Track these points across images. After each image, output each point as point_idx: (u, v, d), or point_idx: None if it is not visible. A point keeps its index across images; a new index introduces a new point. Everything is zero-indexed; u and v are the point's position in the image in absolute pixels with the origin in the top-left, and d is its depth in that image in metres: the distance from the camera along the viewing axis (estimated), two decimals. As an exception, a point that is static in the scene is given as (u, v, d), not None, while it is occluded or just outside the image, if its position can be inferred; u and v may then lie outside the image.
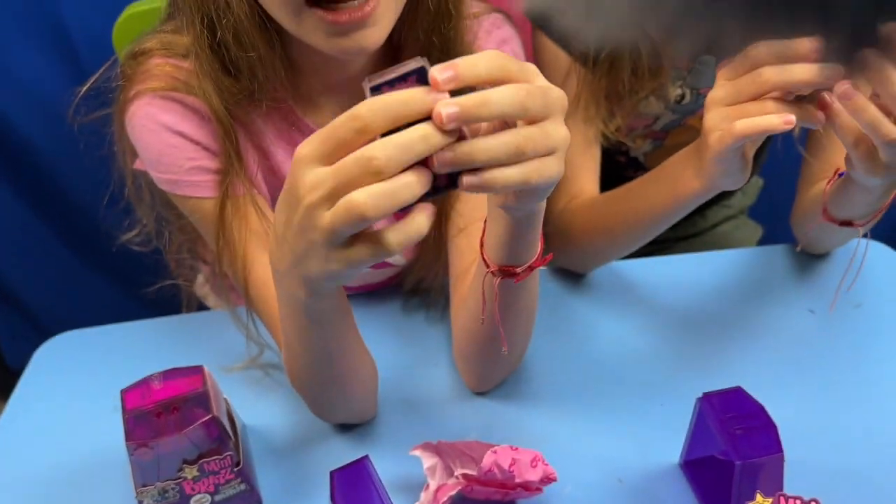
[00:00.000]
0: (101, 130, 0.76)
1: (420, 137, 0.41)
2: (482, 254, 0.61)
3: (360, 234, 0.44)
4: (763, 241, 1.16)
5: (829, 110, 0.59)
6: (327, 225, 0.43)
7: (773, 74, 0.57)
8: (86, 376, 0.82)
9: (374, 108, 0.41)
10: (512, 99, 0.43)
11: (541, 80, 0.45)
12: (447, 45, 0.69)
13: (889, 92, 0.54)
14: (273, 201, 0.73)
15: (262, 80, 0.67)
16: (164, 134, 0.68)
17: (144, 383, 0.62)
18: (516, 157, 0.43)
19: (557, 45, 0.83)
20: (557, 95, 0.45)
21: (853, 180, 0.67)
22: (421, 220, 0.43)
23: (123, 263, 1.03)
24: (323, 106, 0.74)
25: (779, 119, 0.57)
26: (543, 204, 0.54)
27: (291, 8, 0.60)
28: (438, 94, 0.41)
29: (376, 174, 0.41)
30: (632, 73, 0.82)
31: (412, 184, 0.42)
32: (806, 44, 0.56)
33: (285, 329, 0.61)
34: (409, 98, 0.41)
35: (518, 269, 0.59)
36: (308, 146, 0.44)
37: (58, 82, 1.23)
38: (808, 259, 0.90)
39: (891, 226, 1.15)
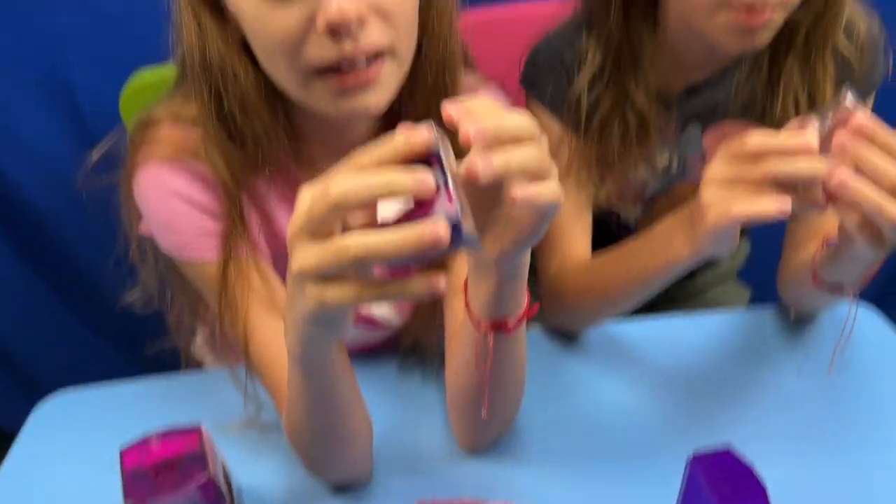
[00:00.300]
0: (104, 195, 0.77)
1: (385, 181, 0.42)
2: (468, 311, 0.62)
3: (343, 276, 0.45)
4: (751, 300, 1.17)
5: (833, 199, 0.59)
6: (303, 255, 0.45)
7: (778, 167, 0.58)
8: (83, 434, 0.82)
9: (365, 148, 0.44)
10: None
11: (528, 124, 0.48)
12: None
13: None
14: (275, 265, 0.75)
15: (266, 147, 0.69)
16: (172, 200, 0.70)
17: (143, 442, 0.63)
18: (539, 166, 0.46)
19: (550, 112, 0.86)
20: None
21: (848, 251, 0.67)
22: (414, 287, 0.44)
23: (122, 325, 1.03)
24: (326, 171, 0.76)
25: (776, 206, 0.58)
26: (528, 256, 0.57)
27: (301, 78, 0.63)
28: (416, 137, 0.43)
29: (333, 205, 0.43)
30: (621, 140, 0.84)
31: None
32: (806, 140, 0.57)
33: (287, 381, 0.62)
34: (392, 140, 0.44)
35: (509, 322, 0.61)
36: (310, 184, 0.46)
37: (63, 145, 1.25)
38: (796, 320, 0.91)
39: (878, 287, 1.17)
